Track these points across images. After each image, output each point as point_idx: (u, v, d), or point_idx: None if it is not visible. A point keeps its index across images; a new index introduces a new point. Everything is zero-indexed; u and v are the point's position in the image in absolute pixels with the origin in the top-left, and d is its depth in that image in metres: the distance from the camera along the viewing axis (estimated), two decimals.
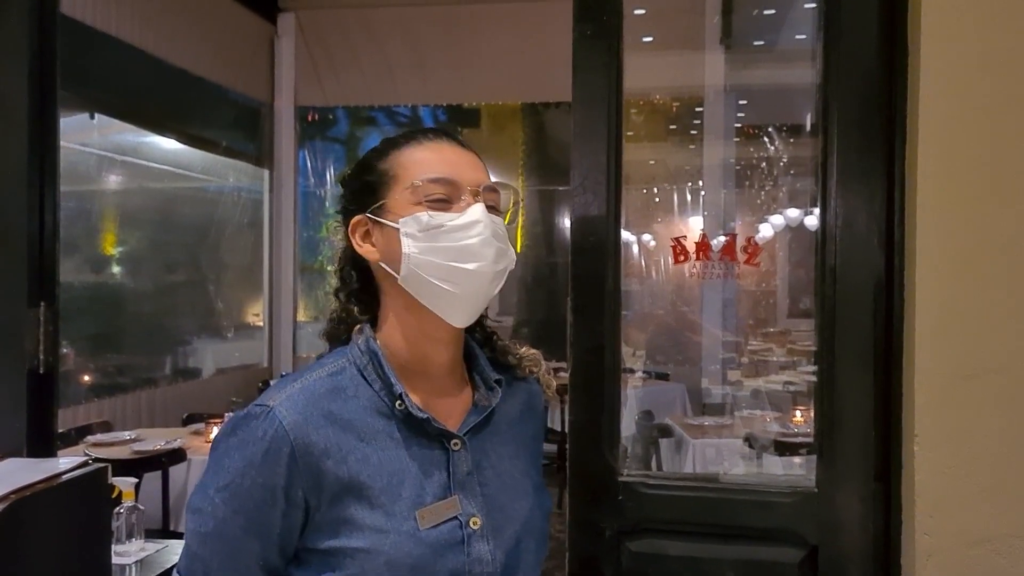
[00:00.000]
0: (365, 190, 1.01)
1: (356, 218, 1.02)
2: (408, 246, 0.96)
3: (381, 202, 0.99)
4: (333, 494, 0.93)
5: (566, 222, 6.05)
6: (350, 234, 1.02)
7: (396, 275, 0.98)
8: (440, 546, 0.95)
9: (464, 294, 0.97)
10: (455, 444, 0.99)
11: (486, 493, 1.01)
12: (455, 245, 0.95)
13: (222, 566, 0.94)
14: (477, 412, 1.03)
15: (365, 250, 1.01)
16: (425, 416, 0.97)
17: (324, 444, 0.93)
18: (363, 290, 1.05)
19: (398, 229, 0.96)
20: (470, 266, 0.95)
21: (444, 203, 0.97)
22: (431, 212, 0.96)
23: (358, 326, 1.03)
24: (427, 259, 0.95)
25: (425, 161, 0.99)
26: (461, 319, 0.99)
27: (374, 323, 1.04)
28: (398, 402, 0.97)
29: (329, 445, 0.93)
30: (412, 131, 1.03)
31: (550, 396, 1.15)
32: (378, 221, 0.99)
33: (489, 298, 1.00)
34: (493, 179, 1.03)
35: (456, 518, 0.97)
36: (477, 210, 0.96)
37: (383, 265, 1.00)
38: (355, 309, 1.04)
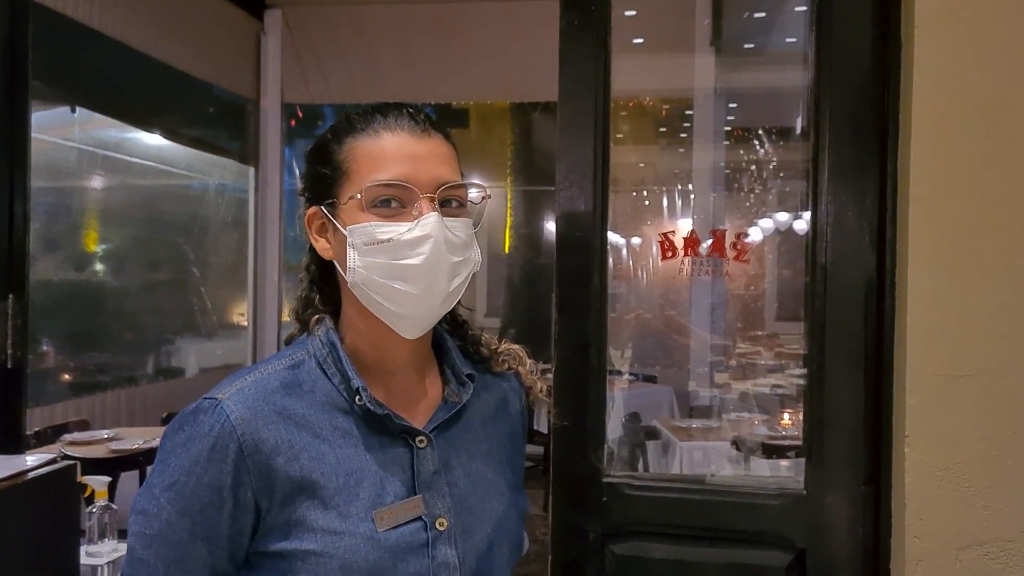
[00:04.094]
0: (320, 181, 0.95)
1: (312, 209, 0.96)
2: (353, 259, 0.90)
3: (333, 199, 0.93)
4: (285, 494, 0.88)
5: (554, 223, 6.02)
6: (307, 225, 0.97)
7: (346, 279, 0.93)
8: (400, 549, 0.90)
9: (410, 315, 0.92)
10: (420, 441, 0.95)
11: (455, 493, 0.96)
12: (400, 263, 0.89)
13: (168, 573, 0.88)
14: (446, 408, 0.99)
15: (320, 246, 0.96)
16: (385, 412, 0.92)
17: (275, 441, 0.88)
18: (324, 280, 1.00)
19: (346, 237, 0.91)
20: (414, 290, 0.89)
21: (396, 208, 0.90)
22: (378, 222, 0.89)
23: (317, 316, 0.98)
24: (370, 276, 0.90)
25: (378, 157, 0.91)
26: (410, 333, 0.94)
27: (338, 314, 0.99)
28: (357, 397, 0.92)
29: (280, 442, 0.88)
30: (372, 111, 0.94)
31: (536, 397, 1.09)
32: (331, 219, 0.93)
33: (441, 316, 0.95)
34: (466, 179, 0.96)
35: (420, 519, 0.92)
36: (430, 222, 0.89)
37: (336, 264, 0.95)
38: (316, 298, 0.99)
